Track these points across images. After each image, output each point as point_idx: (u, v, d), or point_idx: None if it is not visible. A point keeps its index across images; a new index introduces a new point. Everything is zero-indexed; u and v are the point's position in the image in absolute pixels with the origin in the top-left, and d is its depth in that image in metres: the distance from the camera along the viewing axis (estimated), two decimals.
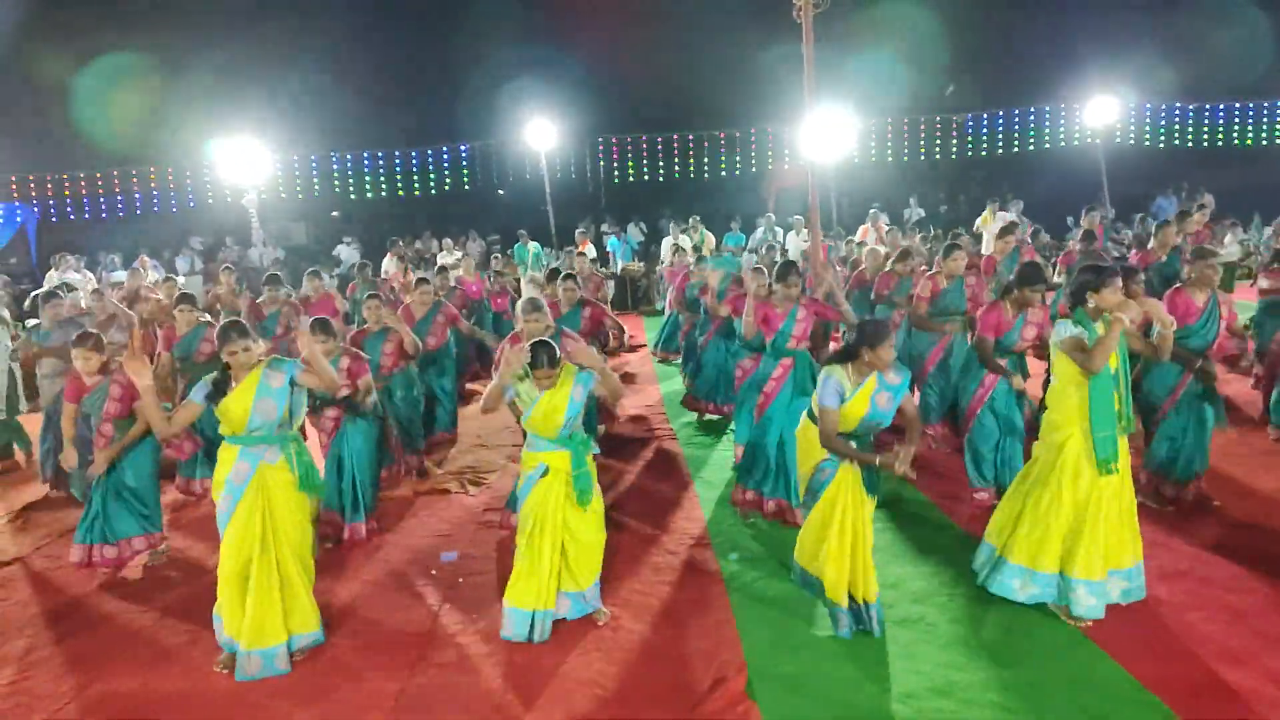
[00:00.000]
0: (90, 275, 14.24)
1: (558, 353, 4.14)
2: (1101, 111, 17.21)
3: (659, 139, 21.47)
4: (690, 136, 21.45)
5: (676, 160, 21.63)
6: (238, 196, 16.78)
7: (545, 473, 4.23)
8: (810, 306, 5.67)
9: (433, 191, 21.58)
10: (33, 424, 7.82)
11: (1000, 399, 5.45)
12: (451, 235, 17.37)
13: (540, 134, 17.16)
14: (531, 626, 4.20)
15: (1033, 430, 4.59)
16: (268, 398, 4.06)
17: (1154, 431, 5.45)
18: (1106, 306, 4.08)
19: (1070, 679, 3.71)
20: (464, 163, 21.54)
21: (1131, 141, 21.15)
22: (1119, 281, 4.13)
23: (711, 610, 4.50)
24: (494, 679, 3.97)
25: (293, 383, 4.15)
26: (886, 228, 13.60)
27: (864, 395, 4.01)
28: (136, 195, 19.83)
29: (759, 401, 5.67)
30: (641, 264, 17.96)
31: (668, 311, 11.00)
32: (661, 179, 21.86)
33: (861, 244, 12.95)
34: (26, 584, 5.37)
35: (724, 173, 21.84)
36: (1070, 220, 12.84)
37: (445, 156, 21.34)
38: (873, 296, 7.82)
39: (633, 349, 12.63)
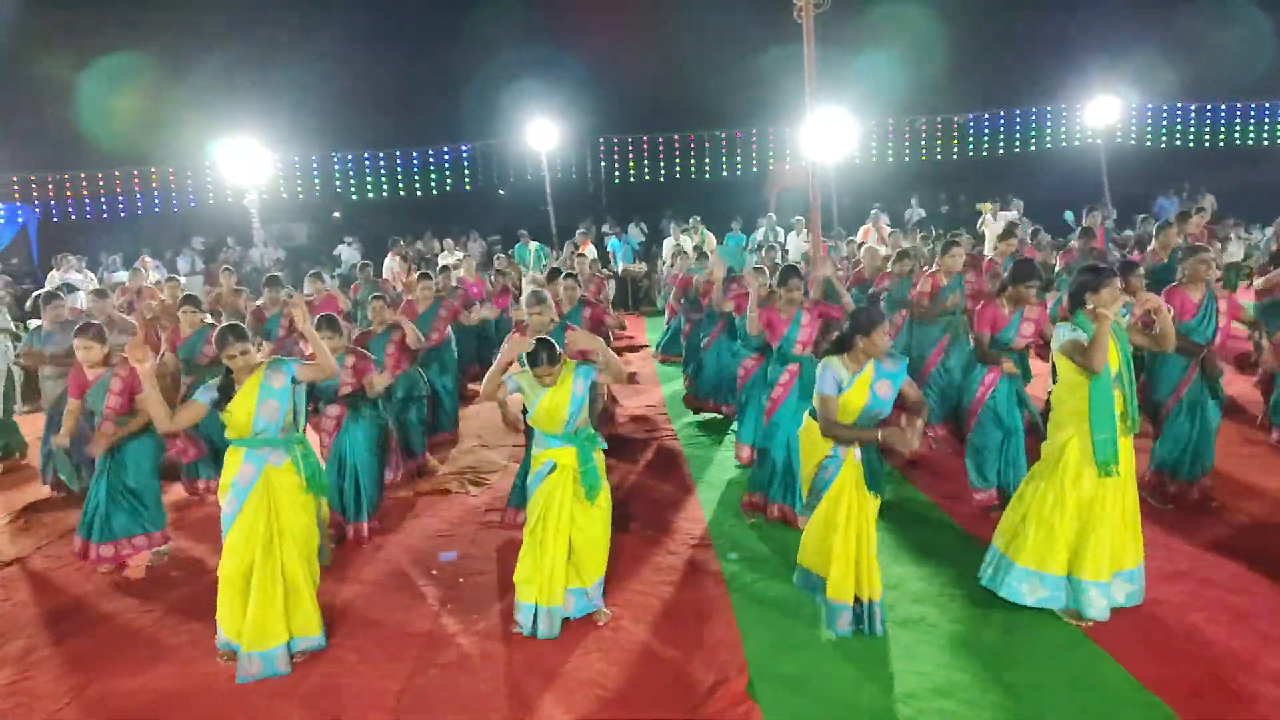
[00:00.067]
0: (92, 275, 14.23)
1: (558, 350, 4.15)
2: (1102, 112, 17.20)
3: (660, 139, 21.47)
4: (691, 137, 21.45)
5: (678, 160, 21.63)
6: (239, 197, 16.80)
7: (553, 469, 4.25)
8: (814, 310, 5.66)
9: (434, 192, 21.58)
10: (32, 425, 7.83)
11: (1000, 399, 5.45)
12: (452, 235, 17.37)
13: (541, 134, 17.16)
14: (535, 620, 4.21)
15: (1035, 431, 4.59)
16: (270, 399, 4.07)
17: (1159, 431, 5.47)
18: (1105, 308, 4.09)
19: (1071, 679, 3.71)
20: (465, 163, 21.55)
21: (1133, 142, 21.14)
22: (1117, 283, 4.13)
23: (712, 611, 4.50)
24: (494, 679, 3.97)
25: (294, 380, 4.16)
26: (888, 229, 13.60)
27: (863, 384, 4.01)
28: (138, 195, 19.85)
29: (766, 407, 5.67)
30: (642, 264, 17.95)
31: (668, 315, 11.00)
32: (663, 179, 21.86)
33: (863, 244, 12.93)
34: (26, 584, 5.37)
35: (725, 173, 21.84)
36: (1069, 215, 12.83)
37: (446, 157, 21.35)
38: (869, 294, 7.82)
39: (634, 349, 12.64)
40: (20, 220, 18.58)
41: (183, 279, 11.12)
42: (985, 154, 21.71)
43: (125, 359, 5.18)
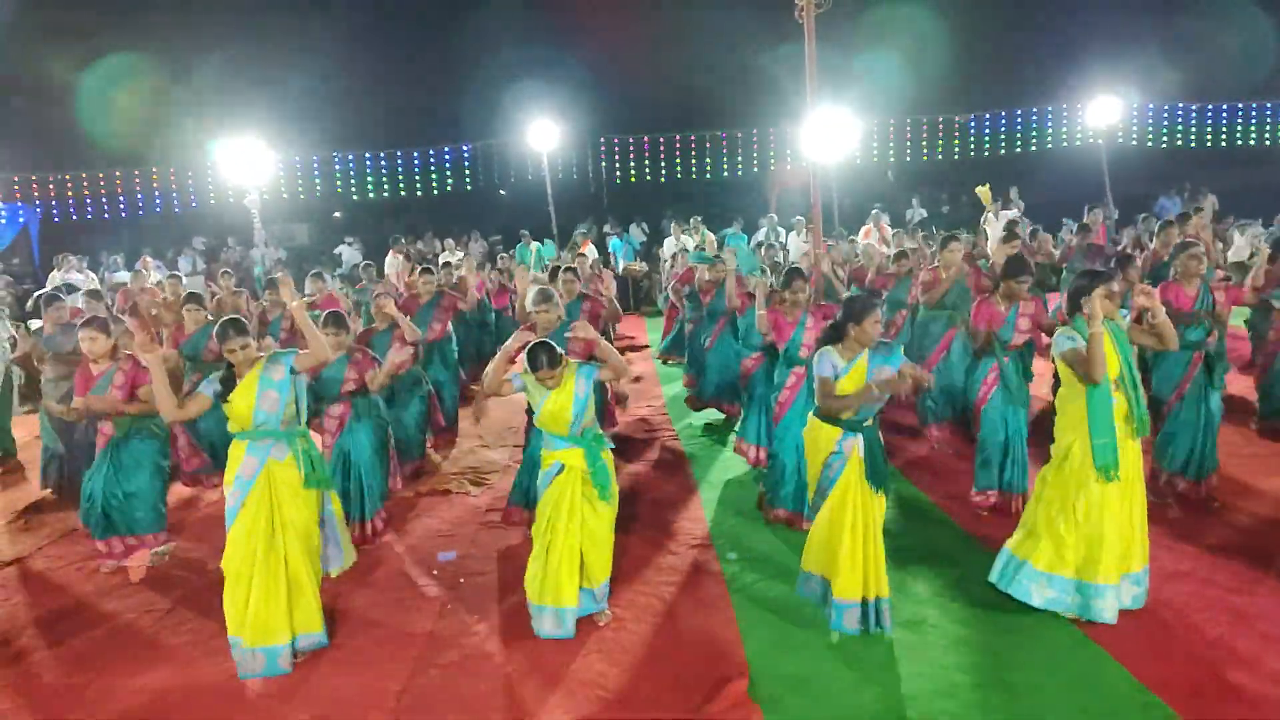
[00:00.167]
0: (93, 276, 14.25)
1: (558, 352, 4.14)
2: (1104, 112, 17.15)
3: (661, 139, 21.45)
4: (692, 137, 21.42)
5: (679, 161, 21.60)
6: (240, 197, 16.75)
7: (561, 470, 4.25)
8: (818, 313, 5.65)
9: (435, 192, 21.57)
10: (32, 425, 7.82)
11: (1000, 399, 5.45)
12: (453, 235, 17.39)
13: (542, 134, 17.14)
14: (550, 622, 4.23)
15: (1037, 432, 4.58)
16: (270, 390, 4.11)
17: (1161, 428, 5.47)
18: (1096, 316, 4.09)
19: (1073, 681, 3.70)
20: (466, 163, 21.53)
21: (1134, 142, 21.09)
22: (1115, 286, 4.14)
23: (714, 611, 4.49)
24: (495, 679, 3.97)
25: (293, 371, 4.18)
26: (890, 230, 13.59)
27: (858, 373, 4.02)
28: (139, 196, 19.84)
29: (774, 411, 5.66)
30: (643, 264, 17.94)
31: (669, 314, 10.99)
32: (664, 179, 21.83)
33: (865, 244, 12.93)
34: (27, 584, 5.37)
35: (726, 173, 21.82)
36: (1067, 221, 12.85)
37: (447, 157, 21.34)
38: (869, 292, 7.84)
39: (635, 349, 12.63)
40: (21, 220, 18.58)
41: (184, 279, 11.12)
42: (986, 154, 21.68)
43: (130, 355, 5.20)
